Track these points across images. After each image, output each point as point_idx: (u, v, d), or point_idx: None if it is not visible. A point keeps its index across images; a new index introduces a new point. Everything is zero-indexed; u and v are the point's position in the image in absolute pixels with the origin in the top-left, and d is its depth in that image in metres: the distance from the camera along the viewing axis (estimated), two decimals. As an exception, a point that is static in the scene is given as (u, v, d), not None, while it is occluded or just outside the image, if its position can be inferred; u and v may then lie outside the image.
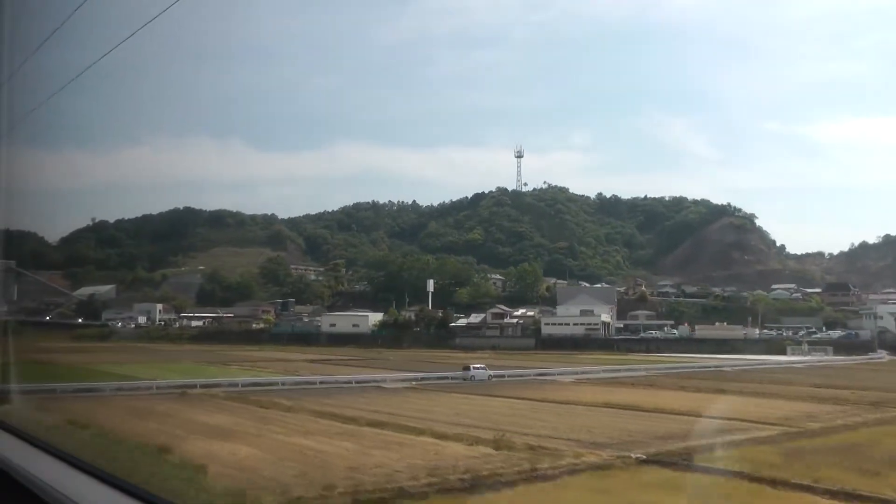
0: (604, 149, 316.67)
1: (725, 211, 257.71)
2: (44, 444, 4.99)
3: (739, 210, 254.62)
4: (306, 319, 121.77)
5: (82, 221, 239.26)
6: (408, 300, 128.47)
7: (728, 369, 71.47)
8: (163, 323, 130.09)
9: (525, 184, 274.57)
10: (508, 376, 56.04)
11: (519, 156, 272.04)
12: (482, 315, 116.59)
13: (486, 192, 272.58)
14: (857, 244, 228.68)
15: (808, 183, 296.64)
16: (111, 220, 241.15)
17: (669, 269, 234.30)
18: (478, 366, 54.53)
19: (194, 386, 42.20)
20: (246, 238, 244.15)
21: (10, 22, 8.34)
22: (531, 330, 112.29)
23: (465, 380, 51.44)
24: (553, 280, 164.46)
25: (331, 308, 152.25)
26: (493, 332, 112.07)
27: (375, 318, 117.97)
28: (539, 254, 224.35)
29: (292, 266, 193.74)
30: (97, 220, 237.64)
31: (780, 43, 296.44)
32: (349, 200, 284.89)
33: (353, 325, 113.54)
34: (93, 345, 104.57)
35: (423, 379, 51.06)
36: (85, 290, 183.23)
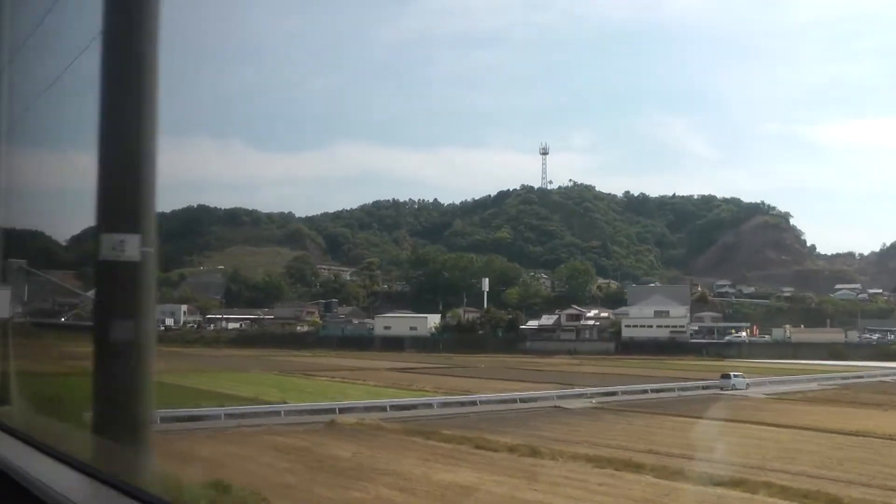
0: (604, 149, 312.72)
1: (759, 209, 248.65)
2: (44, 446, 4.76)
3: (773, 208, 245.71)
4: (356, 322, 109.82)
5: (92, 220, 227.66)
6: (465, 300, 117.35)
7: (890, 380, 60.97)
8: (195, 325, 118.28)
9: (550, 181, 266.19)
10: (658, 391, 44.89)
11: (544, 153, 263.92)
12: (554, 316, 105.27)
13: (511, 189, 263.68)
14: (888, 244, 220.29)
15: (809, 184, 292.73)
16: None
17: (702, 268, 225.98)
18: (737, 374, 49.15)
19: (332, 410, 31.16)
20: (262, 237, 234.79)
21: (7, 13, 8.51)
22: (609, 332, 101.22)
23: (722, 389, 45.03)
24: (606, 280, 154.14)
25: (367, 309, 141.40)
26: (567, 336, 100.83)
27: (433, 319, 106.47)
28: (571, 253, 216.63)
29: (319, 266, 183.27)
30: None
31: (780, 44, 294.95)
32: (353, 202, 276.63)
33: (411, 328, 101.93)
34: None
35: (595, 395, 40.04)
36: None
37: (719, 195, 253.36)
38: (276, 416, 30.32)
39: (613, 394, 41.48)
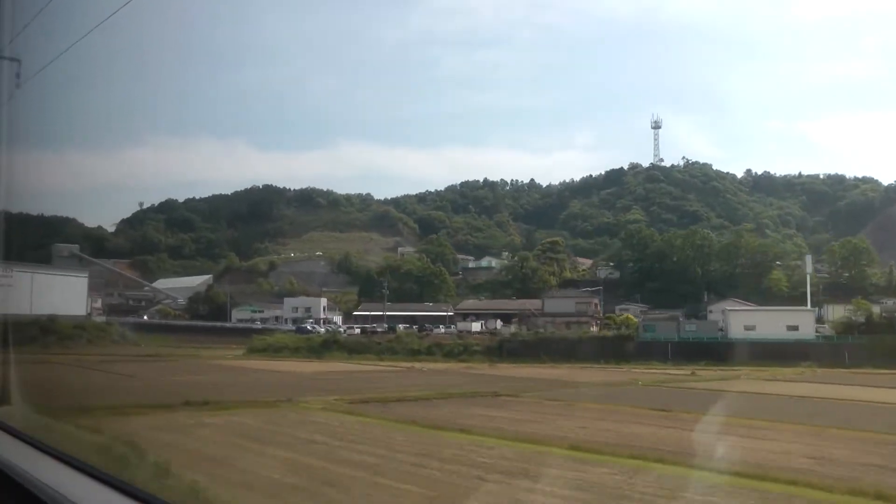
0: (607, 149, 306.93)
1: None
2: (45, 447, 4.76)
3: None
4: (682, 320, 69.98)
5: (130, 209, 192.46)
6: (810, 288, 79.04)
7: None
8: (425, 328, 77.38)
9: (661, 159, 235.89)
10: None
11: (656, 127, 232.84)
12: None
13: (624, 167, 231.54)
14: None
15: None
16: (180, 200, 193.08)
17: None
18: None
19: None
20: (343, 220, 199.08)
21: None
22: None
23: None
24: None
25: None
26: None
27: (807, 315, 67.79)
28: (724, 237, 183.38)
29: (461, 256, 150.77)
30: (158, 203, 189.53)
31: (788, 43, 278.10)
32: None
33: (789, 328, 63.01)
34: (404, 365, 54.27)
35: None
36: (169, 283, 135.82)
37: (849, 174, 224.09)
38: None
39: None
